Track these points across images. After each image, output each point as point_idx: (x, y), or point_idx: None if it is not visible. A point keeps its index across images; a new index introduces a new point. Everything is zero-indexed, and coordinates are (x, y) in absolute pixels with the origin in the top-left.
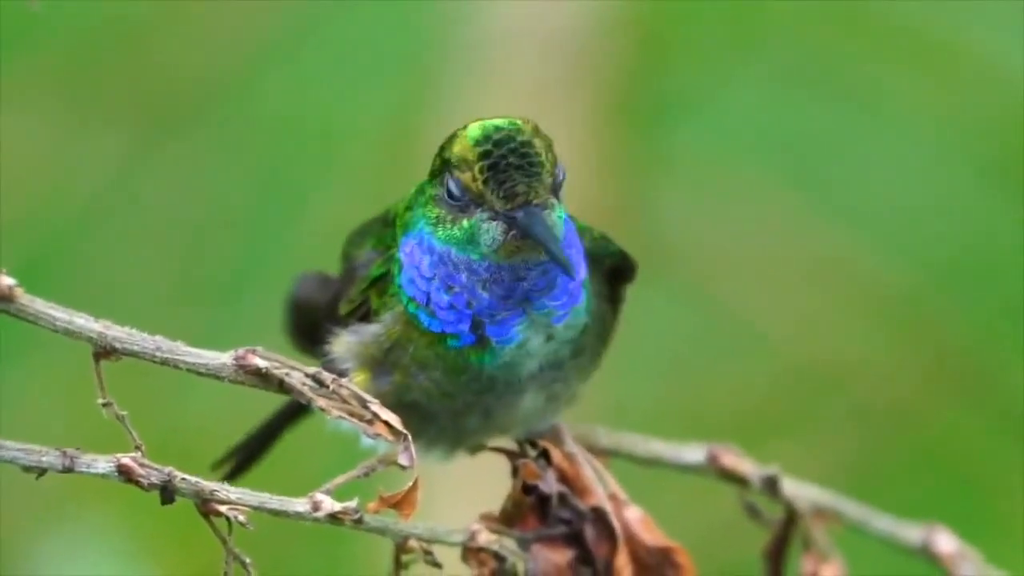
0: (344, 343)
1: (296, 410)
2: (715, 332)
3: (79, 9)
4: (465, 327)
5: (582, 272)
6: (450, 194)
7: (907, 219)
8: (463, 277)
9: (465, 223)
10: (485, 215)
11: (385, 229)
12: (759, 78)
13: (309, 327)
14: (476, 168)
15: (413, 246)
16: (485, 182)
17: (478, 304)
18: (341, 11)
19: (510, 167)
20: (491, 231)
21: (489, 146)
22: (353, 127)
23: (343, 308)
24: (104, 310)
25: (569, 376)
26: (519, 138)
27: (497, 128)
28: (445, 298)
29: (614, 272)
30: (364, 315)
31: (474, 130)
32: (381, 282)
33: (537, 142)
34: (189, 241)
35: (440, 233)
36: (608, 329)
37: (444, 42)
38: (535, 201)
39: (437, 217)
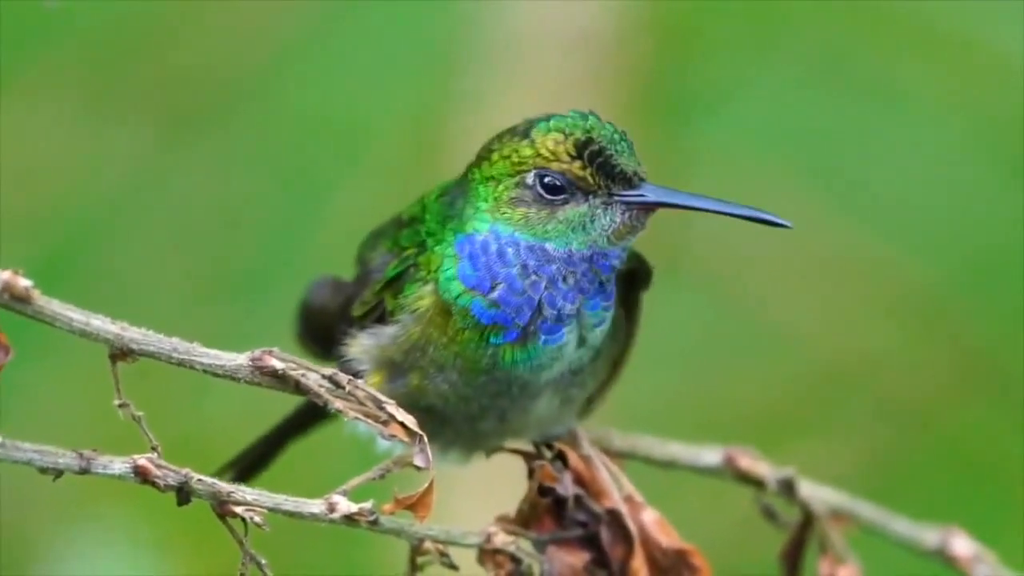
0: (360, 345)
1: (306, 417)
2: (734, 330)
3: (101, 6)
4: (524, 319)
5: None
6: (547, 188)
7: (929, 215)
8: (553, 267)
9: (571, 213)
10: (598, 200)
11: (399, 231)
12: (781, 75)
13: (321, 331)
14: (585, 156)
15: (483, 240)
16: (598, 168)
17: (551, 295)
18: (364, 9)
19: (615, 151)
20: (609, 215)
21: (587, 135)
22: (376, 125)
23: (357, 310)
24: (123, 309)
25: (585, 380)
26: (606, 124)
27: (579, 119)
28: (519, 286)
29: (629, 277)
30: (379, 317)
31: (560, 125)
32: (397, 283)
33: (616, 126)
34: (210, 239)
35: (534, 230)
36: (620, 333)
37: (467, 41)
38: (645, 178)
39: (525, 216)
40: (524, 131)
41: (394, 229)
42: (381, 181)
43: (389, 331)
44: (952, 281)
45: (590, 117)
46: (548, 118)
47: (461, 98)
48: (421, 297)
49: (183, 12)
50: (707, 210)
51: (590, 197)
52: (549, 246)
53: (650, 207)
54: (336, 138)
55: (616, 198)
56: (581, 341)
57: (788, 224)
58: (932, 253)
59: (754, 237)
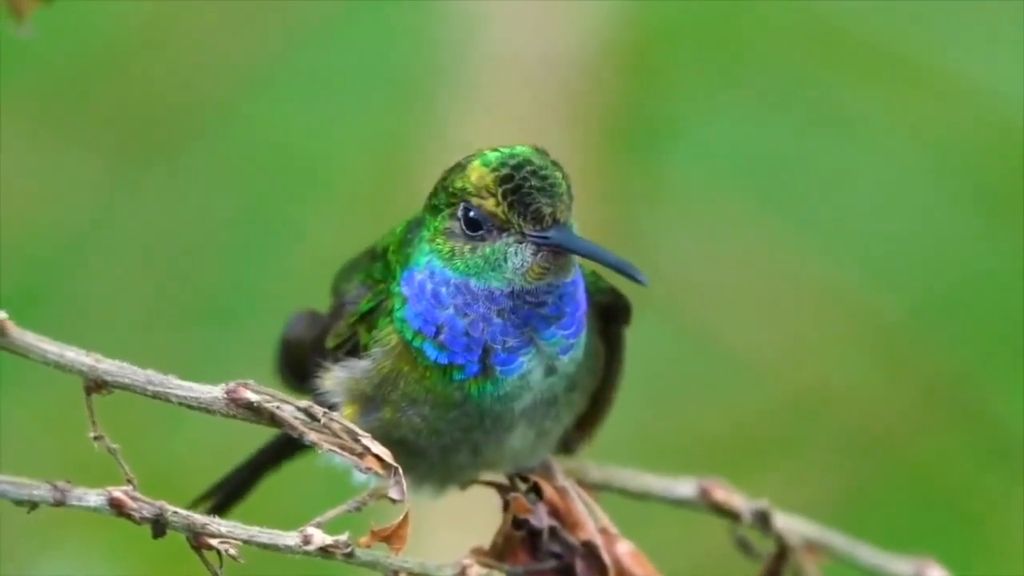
0: (333, 378)
1: (281, 450)
2: (702, 361)
3: (63, 36)
4: (475, 357)
5: (583, 306)
6: (469, 223)
7: (895, 246)
8: (480, 306)
9: (487, 250)
10: (511, 239)
11: (373, 263)
12: (746, 105)
13: (298, 364)
14: (499, 193)
15: (421, 280)
16: (511, 206)
17: (492, 331)
18: (328, 37)
19: (533, 189)
20: (519, 254)
21: (509, 171)
22: (341, 153)
23: (331, 342)
24: (91, 338)
25: (560, 412)
26: (537, 161)
27: (512, 154)
28: (460, 327)
29: (607, 311)
30: (352, 349)
31: (488, 158)
32: (370, 316)
33: (553, 164)
34: (176, 268)
35: (457, 264)
36: (598, 366)
37: (434, 68)
38: (561, 220)
39: (452, 250)
40: (466, 161)
41: (368, 261)
42: (346, 208)
43: (362, 365)
44: (918, 312)
45: (525, 152)
46: (491, 151)
47: (427, 126)
48: (391, 333)
49: (146, 43)
50: (592, 257)
51: (503, 235)
52: (472, 283)
53: (555, 249)
54: (300, 165)
55: (529, 237)
56: (550, 370)
57: (644, 282)
58: (898, 284)
59: (724, 269)
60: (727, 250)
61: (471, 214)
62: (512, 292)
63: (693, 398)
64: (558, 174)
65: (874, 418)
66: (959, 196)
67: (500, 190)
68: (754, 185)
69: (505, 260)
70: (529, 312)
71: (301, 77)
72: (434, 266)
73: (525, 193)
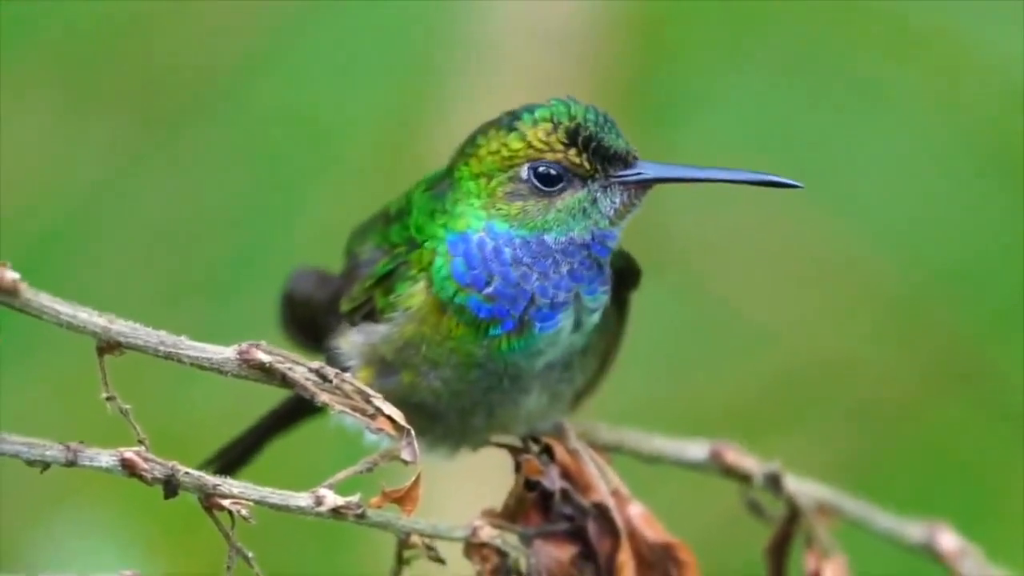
0: (350, 341)
1: (293, 412)
2: (716, 328)
3: (76, 3)
4: (518, 310)
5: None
6: (543, 180)
7: (907, 215)
8: (548, 261)
9: (570, 200)
10: (596, 184)
11: (388, 226)
12: (760, 74)
13: (306, 322)
14: (579, 143)
15: (478, 239)
16: (594, 153)
17: (544, 287)
18: (341, 6)
19: (604, 134)
20: (609, 197)
21: (575, 122)
22: (352, 122)
23: (345, 305)
24: (103, 303)
25: (574, 375)
26: (589, 108)
27: (563, 107)
28: (513, 278)
29: (619, 275)
30: (368, 314)
31: (543, 115)
32: (387, 280)
33: (597, 108)
34: (187, 236)
35: (531, 223)
36: (609, 327)
37: (445, 38)
38: (638, 155)
39: (523, 210)
40: (509, 124)
41: (382, 223)
42: (358, 177)
43: (381, 330)
44: (930, 280)
45: (572, 103)
46: (531, 109)
47: (437, 96)
48: (412, 295)
49: (160, 10)
50: (709, 180)
51: (588, 182)
52: (548, 238)
53: (650, 183)
54: (313, 134)
55: (614, 179)
56: (577, 325)
57: (797, 184)
58: (911, 252)
59: (734, 233)
60: (740, 220)
61: (541, 170)
62: (591, 240)
63: (706, 365)
64: (608, 114)
65: (886, 386)
66: (972, 167)
67: (578, 140)
68: (768, 156)
69: (594, 205)
70: (591, 263)
71: (312, 50)
72: (496, 228)
73: (600, 138)
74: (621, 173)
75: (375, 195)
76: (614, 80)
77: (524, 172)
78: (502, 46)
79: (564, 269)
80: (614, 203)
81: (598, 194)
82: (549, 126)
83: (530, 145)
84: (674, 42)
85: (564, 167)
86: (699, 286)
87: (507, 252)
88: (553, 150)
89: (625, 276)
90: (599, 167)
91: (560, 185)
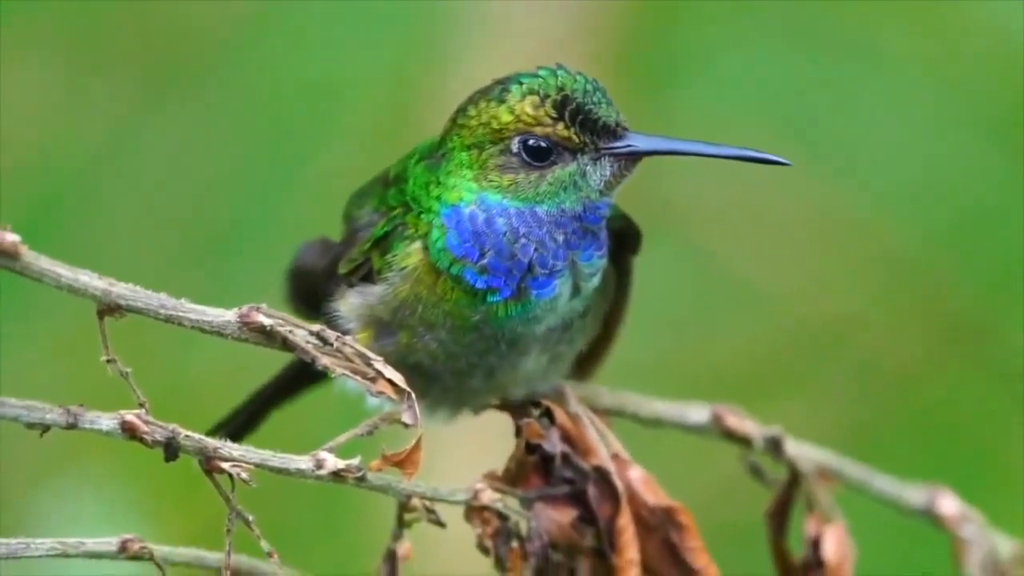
0: (348, 303)
1: (294, 380)
2: (717, 291)
3: None
4: (514, 281)
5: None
6: (532, 153)
7: (909, 177)
8: (543, 230)
9: (560, 173)
10: (586, 158)
11: (386, 190)
12: (761, 36)
13: (309, 292)
14: (566, 116)
15: (471, 212)
16: (582, 126)
17: (542, 256)
18: None
19: (592, 105)
20: (599, 169)
21: (564, 94)
22: (354, 85)
23: (343, 267)
24: (103, 266)
25: (574, 336)
26: (578, 78)
27: (551, 77)
28: (507, 250)
29: (619, 237)
30: (366, 275)
31: (534, 86)
32: (384, 241)
33: (587, 77)
34: (190, 196)
35: (522, 195)
36: (609, 289)
37: (447, 2)
38: (627, 126)
39: (513, 182)
40: (499, 95)
41: (380, 187)
42: (359, 139)
43: (377, 290)
44: (932, 243)
45: (560, 73)
46: (519, 79)
47: (438, 57)
48: (409, 255)
49: None
50: (698, 153)
51: (578, 155)
52: (540, 209)
53: (639, 156)
54: (315, 96)
55: (604, 151)
56: (575, 290)
57: (785, 161)
58: (913, 215)
59: (735, 196)
60: (742, 183)
61: (531, 143)
62: (583, 211)
63: (708, 328)
64: (598, 83)
65: (888, 350)
66: (975, 127)
67: (566, 113)
68: (770, 116)
69: (584, 178)
70: (583, 232)
71: (314, 10)
72: (489, 200)
73: (589, 111)
74: (611, 145)
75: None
76: (617, 40)
77: (514, 145)
78: (500, 11)
79: (560, 238)
80: (604, 175)
81: (588, 167)
82: (537, 99)
83: (519, 118)
84: (674, 6)
85: (553, 141)
86: (701, 249)
87: (500, 222)
88: (542, 124)
89: (625, 238)
90: (588, 140)
91: (550, 159)
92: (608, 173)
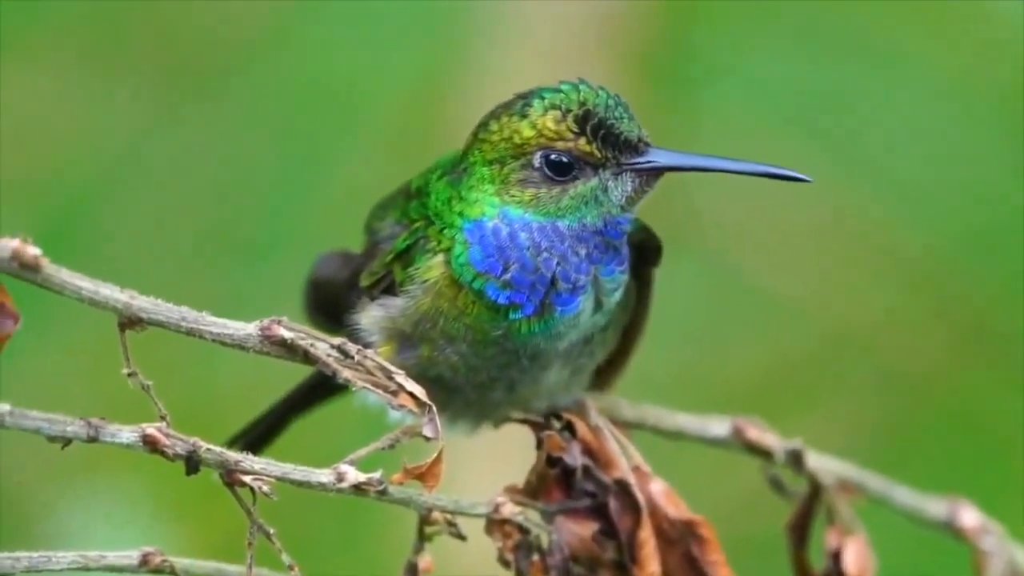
0: (370, 316)
1: (315, 390)
2: (737, 302)
3: None
4: (538, 296)
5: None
6: (554, 168)
7: (932, 182)
8: (565, 245)
9: (582, 188)
10: (608, 173)
11: (408, 202)
12: (782, 41)
13: (329, 303)
14: (587, 132)
15: (493, 226)
16: (603, 141)
17: (565, 270)
18: None
19: (615, 119)
20: (620, 185)
21: (585, 109)
22: (378, 90)
23: (365, 280)
24: (127, 274)
25: (595, 349)
26: (600, 92)
27: (573, 92)
28: (531, 265)
29: (639, 249)
30: (387, 288)
31: (556, 102)
32: (406, 255)
33: (609, 92)
34: (213, 204)
35: (544, 210)
36: (631, 301)
37: (469, 6)
38: (650, 141)
39: (535, 197)
40: (521, 110)
41: (403, 199)
42: (382, 145)
43: (398, 302)
44: (954, 249)
45: (582, 88)
46: (541, 94)
47: (462, 63)
48: (431, 268)
49: None
50: (719, 170)
51: (600, 170)
52: (561, 224)
53: (661, 171)
54: (337, 102)
55: (626, 167)
56: (598, 306)
57: (806, 178)
58: (934, 221)
59: (755, 207)
60: (765, 188)
61: (553, 158)
62: (604, 226)
63: (728, 339)
64: (620, 98)
65: (909, 358)
66: (995, 132)
67: (588, 128)
68: (791, 122)
69: (606, 193)
70: (606, 246)
71: (339, 15)
72: (511, 215)
73: (611, 125)
74: (633, 160)
75: (400, 160)
76: (640, 44)
77: (536, 160)
78: (524, 14)
79: (582, 252)
80: (626, 190)
81: (609, 182)
82: (559, 113)
83: (540, 133)
84: (697, 6)
85: (575, 156)
86: (721, 260)
87: (523, 237)
88: (563, 139)
89: (646, 251)
90: (610, 155)
91: (572, 174)
92: (630, 188)
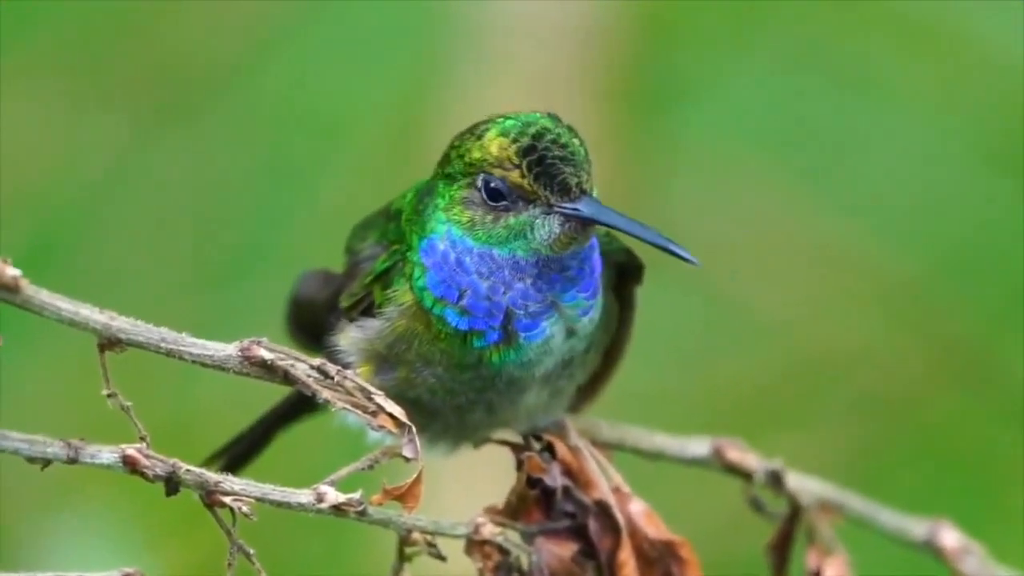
0: (348, 337)
1: (295, 408)
2: (719, 321)
3: None
4: (497, 322)
5: (599, 267)
6: (490, 194)
7: (910, 207)
8: (504, 273)
9: (512, 220)
10: (537, 210)
11: (388, 223)
12: (762, 66)
13: (309, 323)
14: (524, 165)
15: (444, 250)
16: (536, 177)
17: (513, 296)
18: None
19: (557, 159)
20: (547, 225)
21: (530, 141)
22: (358, 113)
23: (344, 301)
24: (107, 296)
25: (575, 371)
26: (555, 129)
27: (528, 123)
28: (482, 291)
29: (621, 270)
30: (366, 309)
31: (505, 127)
32: (385, 276)
33: (569, 130)
34: (193, 226)
35: (478, 234)
36: (612, 322)
37: (449, 29)
38: (587, 189)
39: (472, 219)
40: (479, 131)
41: (383, 220)
42: (363, 168)
43: (375, 324)
44: (933, 272)
45: (542, 121)
46: (501, 119)
47: (443, 89)
48: (407, 292)
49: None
50: (630, 233)
51: (530, 206)
52: (495, 252)
53: (586, 221)
54: (318, 125)
55: (555, 209)
56: (570, 333)
57: (695, 261)
58: (913, 245)
59: (740, 229)
60: (744, 212)
61: (492, 185)
62: (538, 261)
63: (709, 358)
64: (576, 141)
65: (889, 378)
66: (974, 157)
67: (525, 161)
68: (771, 147)
69: (532, 231)
70: (554, 276)
71: (321, 39)
72: (454, 235)
73: (549, 164)
74: (561, 204)
75: (381, 185)
76: (619, 69)
77: (479, 182)
78: (507, 37)
79: (527, 281)
80: (553, 231)
81: (537, 220)
82: (505, 141)
83: (484, 157)
84: (678, 31)
85: (508, 186)
86: (703, 280)
87: (468, 262)
88: (503, 167)
89: (627, 271)
90: (541, 193)
91: (504, 203)
92: (557, 231)
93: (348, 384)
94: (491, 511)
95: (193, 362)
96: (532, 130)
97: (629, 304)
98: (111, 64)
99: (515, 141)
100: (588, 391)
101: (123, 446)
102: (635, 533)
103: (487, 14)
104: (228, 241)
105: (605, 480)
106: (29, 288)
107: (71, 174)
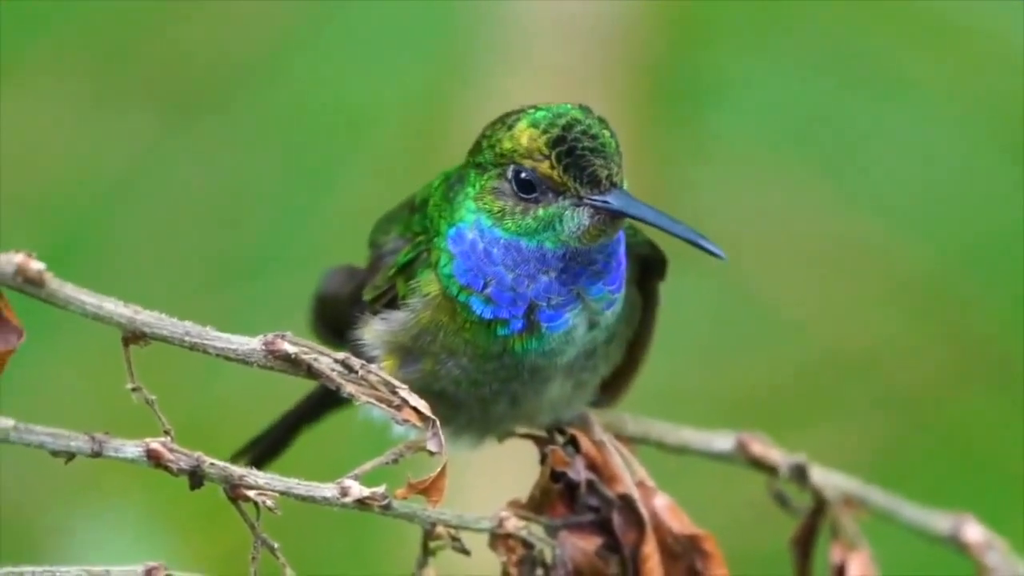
0: (372, 330)
1: (319, 404)
2: (743, 318)
3: None
4: (520, 311)
5: (624, 260)
6: (521, 185)
7: (933, 204)
8: (529, 266)
9: (541, 212)
10: (567, 202)
11: (411, 215)
12: (789, 64)
13: (334, 318)
14: (553, 156)
15: (472, 238)
16: (566, 169)
17: (537, 289)
18: None
19: (587, 151)
20: (576, 217)
21: (560, 132)
22: (380, 108)
23: (368, 294)
24: (130, 291)
25: (598, 364)
26: (586, 120)
27: (559, 114)
28: (507, 281)
29: (644, 263)
30: (390, 302)
31: (535, 118)
32: (409, 268)
33: (600, 122)
34: (216, 222)
35: (507, 224)
36: (635, 315)
37: (473, 25)
38: (618, 182)
39: (502, 209)
40: (511, 121)
41: (406, 213)
42: (385, 163)
43: (400, 316)
44: (956, 269)
45: (573, 112)
46: (535, 110)
47: (468, 84)
48: (431, 282)
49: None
50: (659, 227)
51: (560, 197)
52: (523, 243)
53: (616, 215)
54: (341, 120)
55: (585, 201)
56: (593, 324)
57: (723, 256)
58: (937, 241)
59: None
60: (767, 208)
61: (522, 175)
62: (565, 254)
63: (733, 354)
64: (607, 132)
65: (912, 375)
66: (995, 153)
67: (554, 152)
68: (796, 143)
69: (561, 223)
70: (580, 270)
71: (342, 36)
72: (483, 224)
73: (579, 155)
74: (591, 196)
75: (403, 179)
76: (645, 67)
77: (509, 172)
78: (532, 34)
79: (552, 275)
80: (582, 224)
81: (566, 212)
82: (535, 132)
83: (515, 148)
84: (706, 25)
85: (538, 177)
86: (727, 276)
87: (495, 253)
88: (532, 158)
89: (650, 265)
90: (571, 184)
91: (534, 194)
92: (587, 223)
93: (372, 378)
94: (515, 505)
95: (217, 356)
96: (562, 121)
97: (652, 298)
98: (133, 63)
99: (545, 132)
100: (616, 385)
101: (147, 440)
102: (659, 527)
103: (511, 12)
104: (249, 238)
105: (629, 474)
106: (54, 282)
107: (94, 172)
